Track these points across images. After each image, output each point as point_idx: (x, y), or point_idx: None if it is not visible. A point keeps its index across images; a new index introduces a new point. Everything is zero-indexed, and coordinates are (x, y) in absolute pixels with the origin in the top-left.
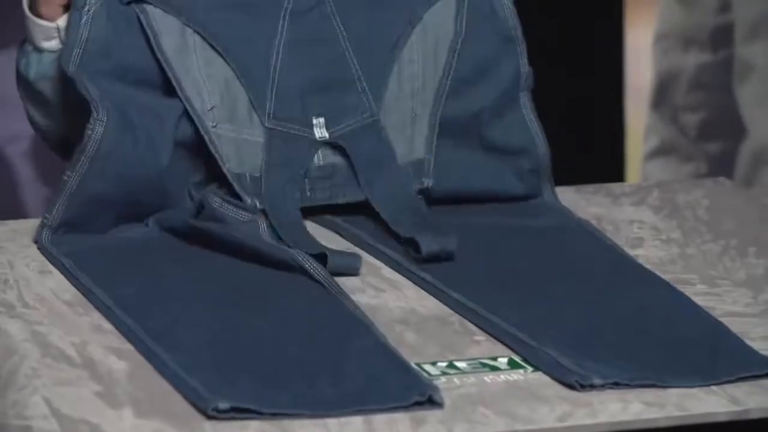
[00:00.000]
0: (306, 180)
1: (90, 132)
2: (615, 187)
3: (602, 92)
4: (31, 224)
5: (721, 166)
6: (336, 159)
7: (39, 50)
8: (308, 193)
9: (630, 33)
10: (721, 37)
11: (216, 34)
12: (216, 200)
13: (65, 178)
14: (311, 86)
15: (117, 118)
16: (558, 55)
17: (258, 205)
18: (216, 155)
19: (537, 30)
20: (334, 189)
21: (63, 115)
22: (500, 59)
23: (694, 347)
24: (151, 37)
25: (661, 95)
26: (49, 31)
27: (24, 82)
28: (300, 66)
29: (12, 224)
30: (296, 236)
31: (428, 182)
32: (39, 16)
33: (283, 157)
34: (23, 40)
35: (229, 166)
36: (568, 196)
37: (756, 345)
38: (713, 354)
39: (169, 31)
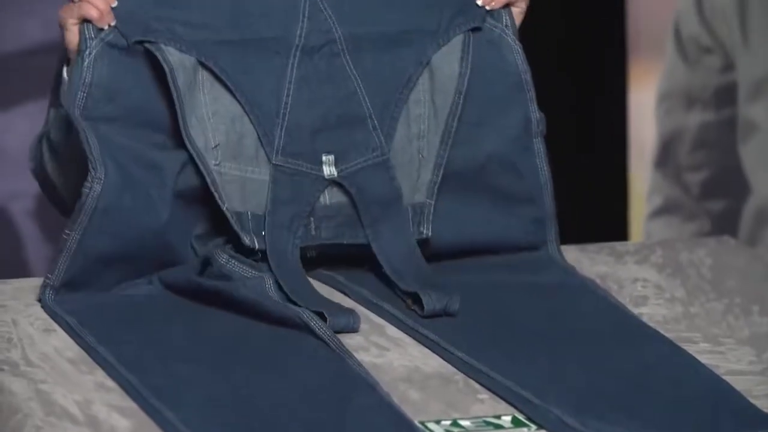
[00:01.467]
0: (312, 219)
1: (87, 190)
2: (619, 245)
3: (605, 151)
4: (35, 283)
5: (725, 225)
6: (343, 198)
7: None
8: (313, 232)
9: (633, 92)
10: (725, 97)
11: (226, 69)
12: (223, 257)
13: (65, 236)
14: (322, 123)
15: (116, 175)
16: (562, 114)
17: (257, 245)
18: (215, 194)
19: (540, 89)
20: (339, 229)
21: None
22: (509, 104)
23: (698, 405)
24: (168, 74)
25: (665, 154)
26: None
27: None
28: (310, 103)
29: (15, 282)
30: (296, 285)
31: (426, 233)
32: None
33: (289, 194)
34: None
35: (230, 205)
36: (572, 255)
37: (759, 403)
38: (716, 412)
39: (182, 67)
